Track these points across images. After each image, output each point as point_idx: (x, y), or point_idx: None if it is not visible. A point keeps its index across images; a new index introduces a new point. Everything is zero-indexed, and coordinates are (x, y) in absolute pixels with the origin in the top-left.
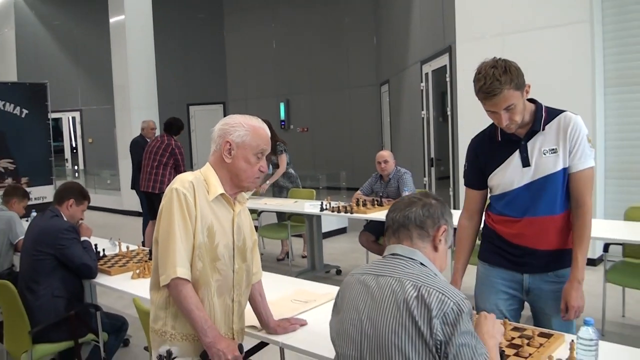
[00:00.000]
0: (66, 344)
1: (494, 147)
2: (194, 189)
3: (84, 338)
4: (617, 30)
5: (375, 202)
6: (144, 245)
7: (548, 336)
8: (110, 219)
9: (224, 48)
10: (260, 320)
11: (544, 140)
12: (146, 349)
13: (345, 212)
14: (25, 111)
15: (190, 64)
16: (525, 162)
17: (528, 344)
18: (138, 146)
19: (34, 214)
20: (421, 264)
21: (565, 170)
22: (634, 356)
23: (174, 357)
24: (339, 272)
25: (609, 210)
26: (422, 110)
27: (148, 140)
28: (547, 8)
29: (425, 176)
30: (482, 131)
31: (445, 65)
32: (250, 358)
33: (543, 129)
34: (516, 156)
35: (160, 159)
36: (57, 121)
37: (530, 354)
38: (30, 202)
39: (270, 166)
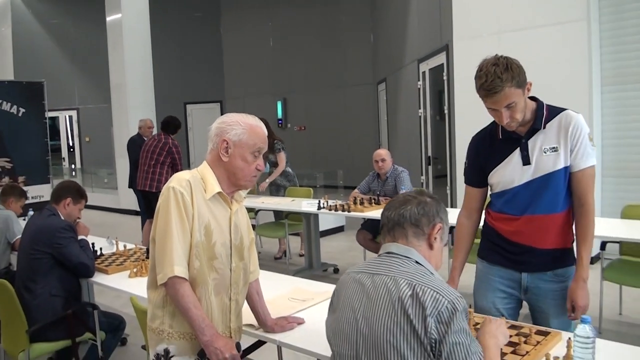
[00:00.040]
0: (63, 343)
1: (494, 144)
2: (191, 187)
3: (81, 337)
4: (614, 29)
5: (373, 201)
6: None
7: (545, 334)
8: (108, 217)
9: (221, 46)
10: (258, 319)
11: (544, 139)
12: (144, 347)
13: (343, 210)
14: (22, 110)
15: (187, 63)
16: (526, 160)
17: (525, 342)
18: (135, 145)
19: (31, 212)
20: (416, 262)
21: (566, 169)
22: (631, 354)
23: (172, 356)
24: (336, 270)
25: (606, 208)
26: (419, 108)
27: (145, 138)
28: (544, 6)
29: (422, 175)
30: (483, 129)
31: (443, 64)
32: (248, 356)
33: (544, 127)
34: (517, 154)
35: (157, 157)
36: (54, 120)
37: (527, 352)
38: (27, 201)
39: (267, 164)
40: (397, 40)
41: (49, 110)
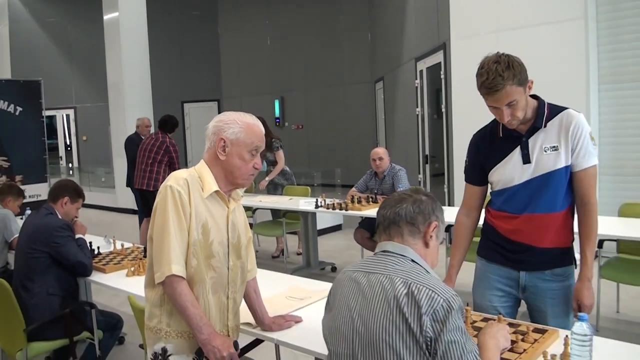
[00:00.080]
0: (61, 342)
1: (495, 142)
2: (188, 186)
3: (79, 336)
4: (611, 28)
5: (370, 199)
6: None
7: (542, 332)
8: (105, 216)
9: (219, 45)
10: (255, 317)
11: (545, 138)
12: (141, 346)
13: (340, 209)
14: (19, 109)
15: (185, 61)
16: (526, 159)
17: (522, 340)
18: (133, 143)
19: (28, 211)
20: (412, 260)
21: (566, 168)
22: (628, 351)
23: (169, 355)
24: (334, 269)
25: (603, 206)
26: (417, 107)
27: (143, 137)
28: (542, 5)
29: (420, 173)
30: (484, 127)
31: (440, 63)
32: (246, 355)
33: (545, 126)
34: (517, 152)
35: (154, 156)
36: (51, 119)
37: (524, 350)
38: (24, 200)
39: (265, 163)
40: (394, 38)
41: (46, 109)
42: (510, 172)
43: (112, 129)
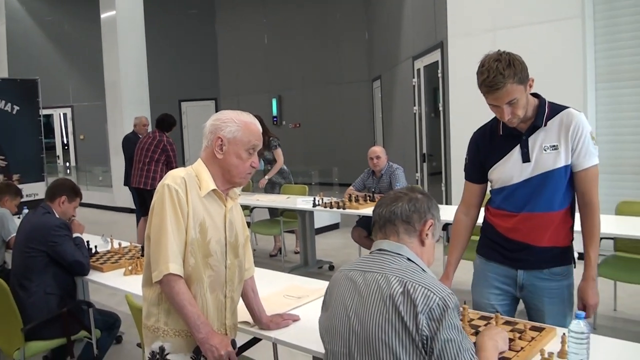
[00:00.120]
0: (59, 341)
1: (495, 141)
2: (186, 185)
3: (76, 335)
4: (608, 26)
5: (368, 198)
6: None
7: (540, 330)
8: (102, 215)
9: (216, 44)
10: (253, 316)
11: (545, 136)
12: (139, 345)
13: (338, 207)
14: (16, 108)
15: (182, 60)
16: (525, 158)
17: (520, 338)
18: (130, 142)
19: (25, 210)
20: (408, 259)
21: (566, 167)
22: (625, 349)
23: (167, 354)
24: (331, 267)
25: (600, 204)
26: (414, 106)
27: (140, 136)
28: (539, 4)
29: (417, 172)
30: (484, 124)
31: (437, 61)
32: (243, 354)
33: (545, 125)
34: (516, 151)
35: (152, 155)
36: (49, 118)
37: (522, 348)
38: (22, 199)
39: (262, 162)
40: (392, 37)
41: (43, 108)
42: (509, 170)
43: (110, 128)
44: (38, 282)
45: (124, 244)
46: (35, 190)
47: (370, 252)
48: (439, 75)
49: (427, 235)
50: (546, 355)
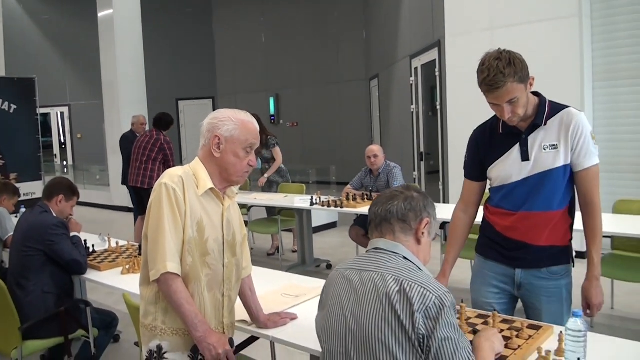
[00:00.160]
0: (56, 340)
1: (495, 139)
2: (183, 183)
3: (74, 334)
4: (606, 25)
5: (365, 197)
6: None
7: (537, 328)
8: (100, 214)
9: (213, 43)
10: (251, 315)
11: (545, 136)
12: (137, 344)
13: (335, 206)
14: (13, 106)
15: (179, 59)
16: (525, 156)
17: (517, 336)
18: (128, 141)
19: (23, 209)
20: (404, 257)
21: (565, 167)
22: (622, 347)
23: (165, 352)
24: (329, 266)
25: None
26: (412, 104)
27: (138, 135)
28: (536, 3)
29: (414, 170)
30: (485, 122)
31: (435, 60)
32: (241, 352)
33: (545, 124)
34: (516, 149)
35: (149, 154)
36: (46, 116)
37: (519, 346)
38: (19, 198)
39: (259, 160)
40: (389, 36)
41: (41, 107)
42: (508, 168)
43: (107, 127)
44: (35, 281)
45: (122, 242)
46: (32, 189)
47: (367, 251)
48: (437, 74)
49: (423, 233)
50: (543, 354)
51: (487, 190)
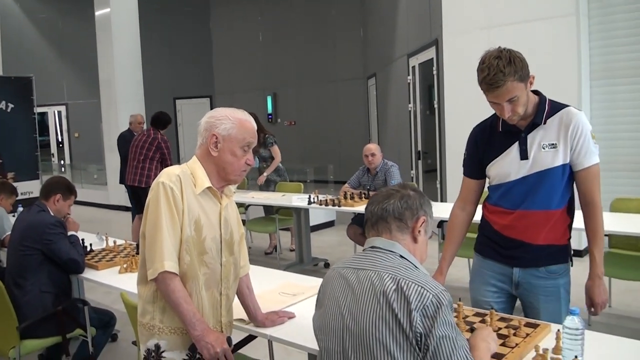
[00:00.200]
0: (54, 339)
1: (494, 137)
2: (181, 182)
3: (72, 333)
4: (603, 24)
5: (363, 195)
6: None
7: (534, 326)
8: (97, 213)
9: (211, 41)
10: (248, 313)
11: (544, 134)
12: (134, 343)
13: (333, 205)
14: (10, 105)
15: (176, 58)
16: (524, 155)
17: (514, 334)
18: (125, 140)
19: (20, 209)
20: (401, 256)
21: (564, 166)
22: (619, 345)
23: (163, 351)
24: (327, 265)
25: None
26: (409, 103)
27: (135, 134)
28: (534, 1)
29: (412, 169)
30: (484, 120)
31: (432, 59)
32: (239, 351)
33: (544, 123)
34: (515, 148)
35: (146, 153)
36: (43, 115)
37: (516, 344)
38: (16, 198)
39: (257, 159)
40: (387, 35)
41: (38, 106)
42: (507, 167)
43: (104, 126)
44: (33, 280)
45: (119, 241)
46: (29, 188)
47: (363, 250)
48: (434, 72)
49: (419, 232)
50: (541, 352)
51: (485, 189)
